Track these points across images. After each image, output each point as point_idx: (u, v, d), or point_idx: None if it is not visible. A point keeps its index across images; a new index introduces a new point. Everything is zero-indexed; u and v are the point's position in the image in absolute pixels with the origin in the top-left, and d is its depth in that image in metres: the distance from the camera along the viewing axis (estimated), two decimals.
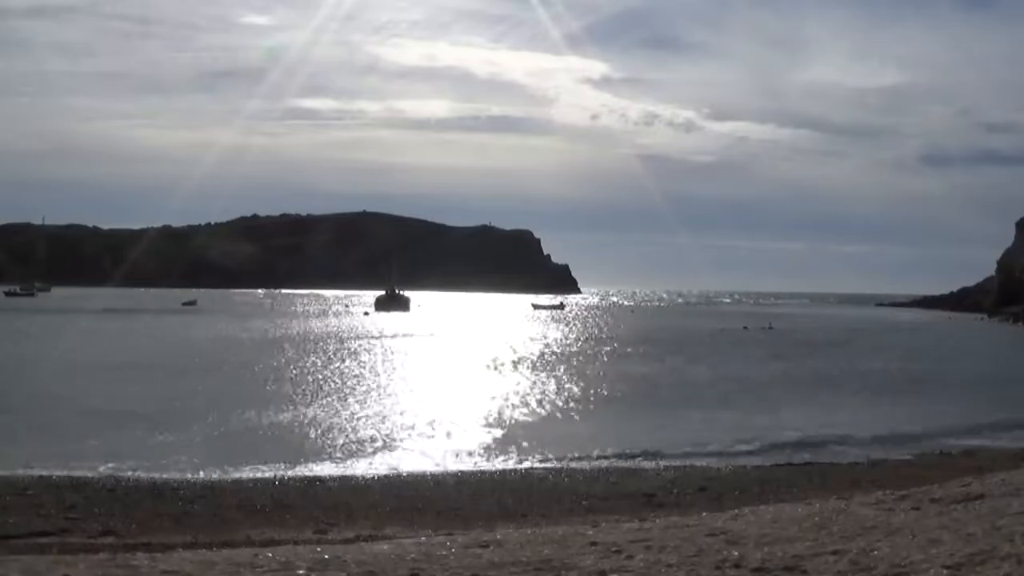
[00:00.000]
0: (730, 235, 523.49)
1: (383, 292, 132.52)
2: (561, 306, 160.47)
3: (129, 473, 20.69)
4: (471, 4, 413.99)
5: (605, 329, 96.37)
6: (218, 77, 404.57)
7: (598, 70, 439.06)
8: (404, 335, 77.59)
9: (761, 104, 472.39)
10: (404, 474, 21.76)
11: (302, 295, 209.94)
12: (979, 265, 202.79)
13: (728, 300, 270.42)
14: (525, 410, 33.19)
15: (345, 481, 20.52)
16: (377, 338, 73.78)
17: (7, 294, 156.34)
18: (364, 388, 39.04)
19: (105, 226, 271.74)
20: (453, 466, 22.91)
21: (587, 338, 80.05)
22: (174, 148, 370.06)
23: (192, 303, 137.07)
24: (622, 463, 23.17)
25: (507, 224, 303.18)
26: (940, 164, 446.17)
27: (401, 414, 31.44)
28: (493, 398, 35.97)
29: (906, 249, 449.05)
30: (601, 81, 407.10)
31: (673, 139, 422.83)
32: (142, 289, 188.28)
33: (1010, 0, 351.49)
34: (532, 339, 76.75)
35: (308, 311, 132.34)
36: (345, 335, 77.16)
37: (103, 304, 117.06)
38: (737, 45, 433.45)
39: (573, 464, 23.20)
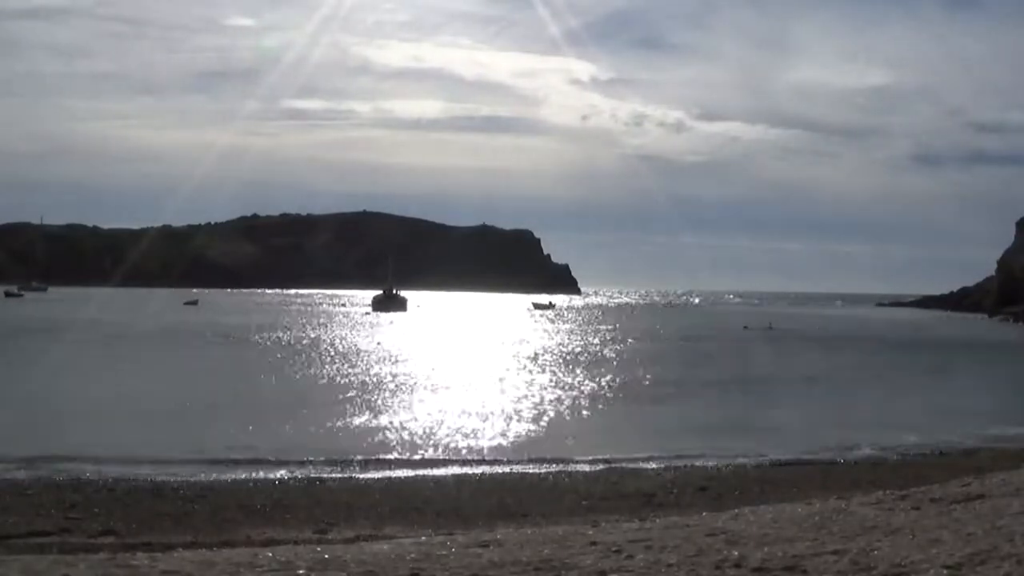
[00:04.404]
0: (728, 235, 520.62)
1: (380, 292, 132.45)
2: (551, 306, 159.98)
3: (129, 473, 20.68)
4: (458, 5, 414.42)
5: (604, 329, 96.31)
6: (212, 78, 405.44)
7: (586, 71, 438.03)
8: (401, 335, 77.55)
9: (750, 104, 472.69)
10: (404, 474, 21.77)
11: (302, 295, 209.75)
12: (979, 265, 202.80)
13: (726, 300, 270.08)
14: (524, 410, 33.15)
15: (345, 481, 20.51)
16: (374, 339, 73.73)
17: (6, 294, 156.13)
18: (360, 389, 39.00)
19: (105, 226, 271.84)
20: (453, 466, 22.90)
21: (585, 338, 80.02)
22: (171, 148, 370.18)
23: (194, 303, 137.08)
24: (622, 463, 23.15)
25: (507, 224, 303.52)
26: (932, 164, 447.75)
27: (399, 414, 31.42)
28: (491, 398, 35.94)
29: (906, 249, 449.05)
30: (589, 82, 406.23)
31: (664, 139, 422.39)
32: (142, 289, 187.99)
33: (997, 0, 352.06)
34: (529, 339, 76.72)
35: (307, 311, 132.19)
36: (342, 336, 77.13)
37: (101, 307, 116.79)
38: (725, 46, 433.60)
39: (573, 464, 23.18)
